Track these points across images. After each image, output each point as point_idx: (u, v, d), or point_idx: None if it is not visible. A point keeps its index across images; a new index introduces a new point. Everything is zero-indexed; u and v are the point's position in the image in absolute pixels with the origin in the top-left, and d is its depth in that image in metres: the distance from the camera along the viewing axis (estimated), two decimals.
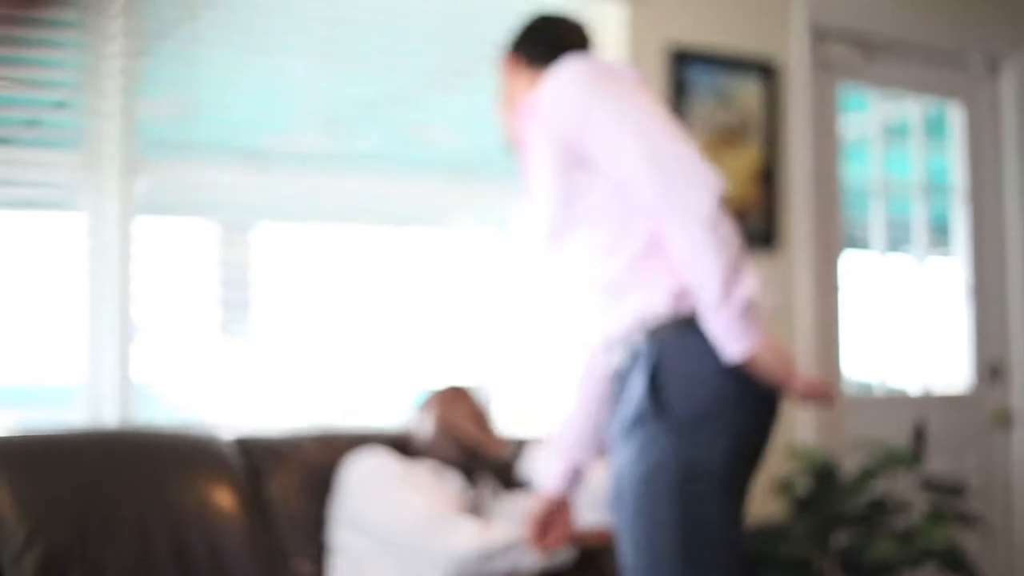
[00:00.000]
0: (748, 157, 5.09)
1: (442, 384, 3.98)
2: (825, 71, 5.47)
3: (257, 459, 3.78)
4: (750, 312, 2.65)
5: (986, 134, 6.02)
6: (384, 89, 4.59)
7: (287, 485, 3.76)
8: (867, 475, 4.56)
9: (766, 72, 5.20)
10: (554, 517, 3.19)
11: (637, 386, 2.76)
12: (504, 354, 4.75)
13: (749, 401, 2.73)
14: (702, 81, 4.96)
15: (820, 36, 5.42)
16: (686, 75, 4.95)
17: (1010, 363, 5.95)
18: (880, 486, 4.66)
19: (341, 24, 4.42)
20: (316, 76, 4.41)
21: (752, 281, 2.66)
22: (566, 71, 2.87)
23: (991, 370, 5.93)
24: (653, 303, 2.76)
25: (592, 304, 2.99)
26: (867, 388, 5.75)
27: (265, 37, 4.32)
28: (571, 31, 3.22)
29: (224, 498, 3.62)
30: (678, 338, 2.73)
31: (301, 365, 4.35)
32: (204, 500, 3.58)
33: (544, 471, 3.21)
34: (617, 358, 2.87)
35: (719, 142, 5.02)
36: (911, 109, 5.88)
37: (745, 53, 5.15)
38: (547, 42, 3.16)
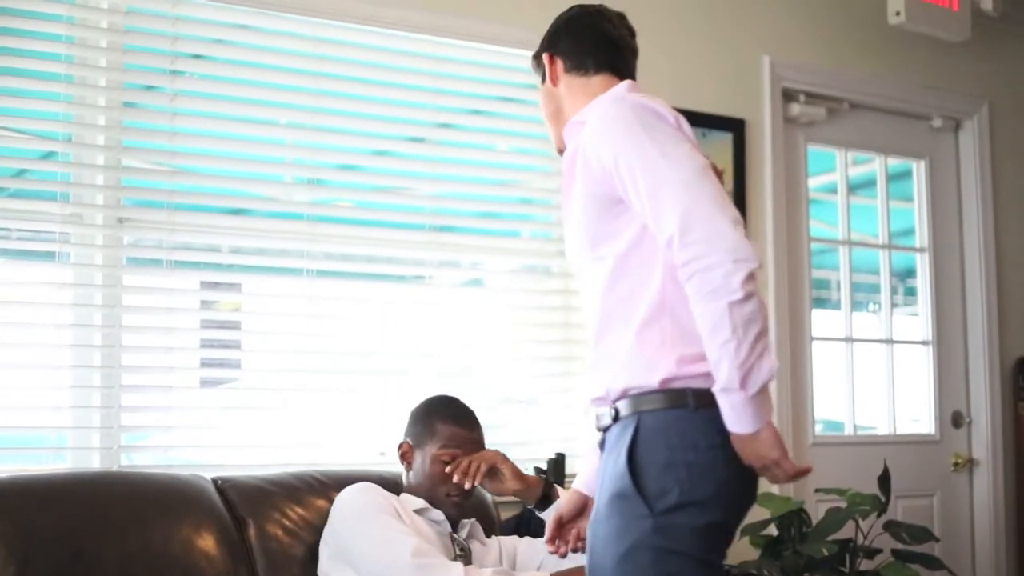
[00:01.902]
0: None
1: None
2: (793, 129, 5.59)
3: (241, 502, 3.79)
4: (763, 395, 2.56)
5: (948, 191, 6.14)
6: (366, 144, 4.67)
7: (270, 528, 3.77)
8: (835, 521, 4.62)
9: (736, 130, 5.31)
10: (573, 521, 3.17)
11: (619, 461, 2.67)
12: (479, 408, 4.79)
13: (732, 484, 2.65)
14: None
15: (788, 97, 5.55)
16: None
17: (971, 412, 6.03)
18: (848, 529, 4.71)
19: (323, 79, 4.50)
20: (298, 131, 4.47)
21: (771, 364, 2.56)
22: (612, 108, 2.78)
23: (953, 418, 6.01)
24: (645, 376, 2.68)
25: (590, 344, 2.89)
26: (837, 427, 5.81)
27: (248, 92, 4.40)
28: (612, 28, 3.08)
29: (207, 541, 3.62)
30: (663, 414, 2.66)
31: (284, 411, 4.38)
32: (188, 543, 3.59)
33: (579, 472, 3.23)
34: (604, 418, 2.80)
35: None
36: (876, 167, 5.99)
37: (717, 112, 5.26)
38: (589, 46, 3.04)
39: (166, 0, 4.20)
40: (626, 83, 2.98)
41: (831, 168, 5.86)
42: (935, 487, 5.94)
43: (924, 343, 6.01)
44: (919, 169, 6.11)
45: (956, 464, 5.98)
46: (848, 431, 5.83)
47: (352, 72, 4.60)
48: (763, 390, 2.56)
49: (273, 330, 4.48)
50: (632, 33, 3.12)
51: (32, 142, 4.13)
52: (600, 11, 3.13)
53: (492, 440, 4.63)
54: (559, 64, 3.07)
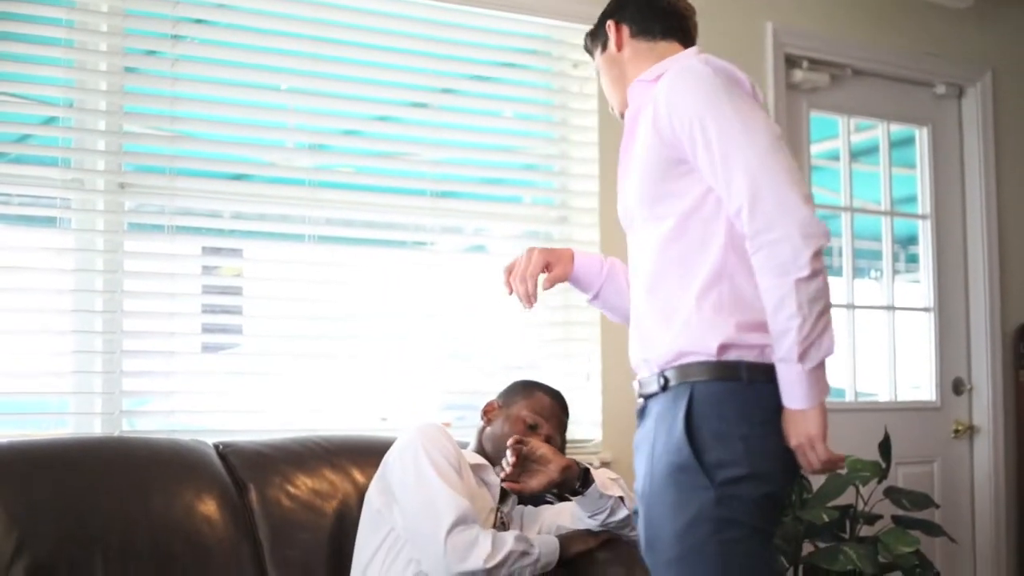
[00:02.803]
0: None
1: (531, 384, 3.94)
2: (795, 96, 5.58)
3: (242, 467, 3.81)
4: (820, 372, 2.60)
5: (950, 158, 6.13)
6: (368, 109, 4.66)
7: (272, 493, 3.78)
8: (836, 487, 4.63)
9: None
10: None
11: (673, 432, 2.67)
12: (480, 374, 4.82)
13: (785, 456, 2.67)
14: None
15: (791, 63, 5.53)
16: None
17: (972, 379, 6.04)
18: (848, 496, 4.73)
19: (325, 44, 4.49)
20: (300, 96, 4.46)
21: (831, 341, 2.59)
22: (692, 70, 2.76)
23: (954, 385, 6.01)
24: (703, 341, 2.68)
25: (635, 306, 2.89)
26: (839, 394, 5.81)
27: (249, 57, 4.40)
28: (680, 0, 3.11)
29: (209, 506, 3.64)
30: (717, 385, 2.66)
31: (285, 376, 4.38)
32: (189, 507, 3.60)
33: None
34: (649, 385, 2.79)
35: None
36: (879, 133, 5.98)
37: None
38: (657, 12, 3.05)
39: None
40: (695, 49, 3.01)
41: (834, 134, 5.85)
42: (935, 454, 5.95)
43: (925, 310, 6.01)
44: (922, 136, 6.09)
45: (957, 431, 5.99)
46: (849, 397, 5.82)
47: (354, 37, 4.58)
48: (820, 367, 2.59)
49: (275, 295, 4.48)
50: (691, 6, 3.15)
51: (33, 107, 4.12)
52: None
53: None
54: (625, 30, 3.06)
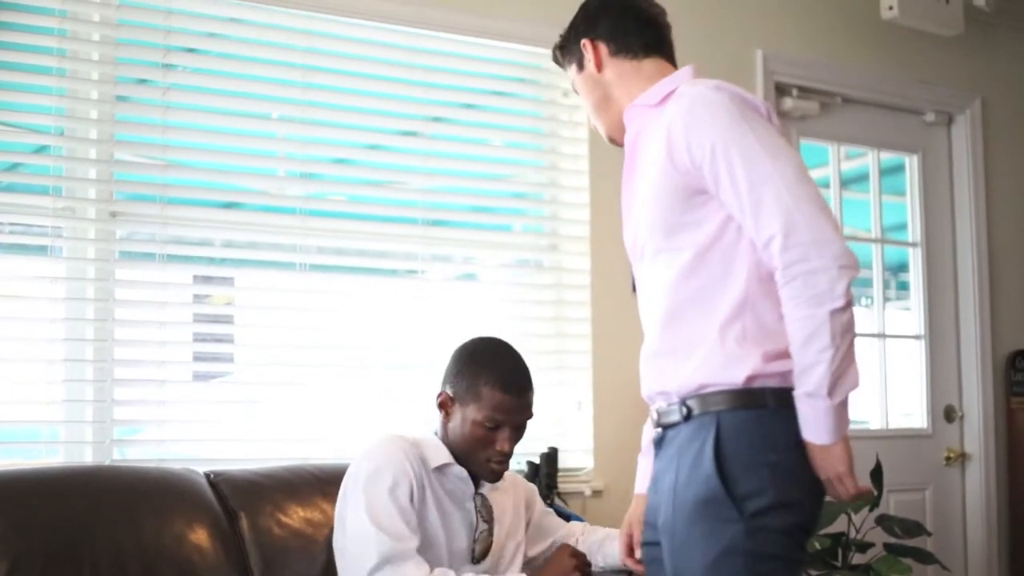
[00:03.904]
0: None
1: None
2: (785, 123, 5.58)
3: (233, 496, 3.79)
4: (844, 407, 2.54)
5: (940, 186, 6.14)
6: (359, 137, 4.67)
7: (263, 522, 3.77)
8: (828, 515, 4.62)
9: None
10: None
11: (700, 464, 2.59)
12: None
13: (813, 484, 2.61)
14: None
15: (781, 91, 5.54)
16: None
17: (963, 407, 6.04)
18: (840, 523, 4.72)
19: (316, 73, 4.49)
20: (291, 124, 4.46)
21: (856, 374, 2.53)
22: (707, 98, 2.66)
23: (945, 413, 6.02)
24: (727, 373, 2.60)
25: (650, 340, 2.79)
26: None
27: (241, 86, 4.41)
28: (648, 6, 2.99)
29: (200, 535, 3.62)
30: (743, 414, 2.60)
31: (277, 405, 4.38)
32: (180, 536, 3.58)
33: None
34: (670, 415, 2.71)
35: None
36: (869, 161, 5.99)
37: None
38: (632, 25, 2.93)
39: None
40: (690, 68, 2.89)
41: (824, 162, 5.86)
42: (927, 481, 5.95)
43: (916, 337, 6.01)
44: (912, 163, 6.11)
45: (948, 458, 5.99)
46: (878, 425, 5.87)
47: (345, 66, 4.60)
48: (845, 402, 2.54)
49: (266, 324, 4.48)
50: (663, 10, 3.01)
51: (24, 136, 4.12)
52: None
53: None
54: (603, 48, 2.95)
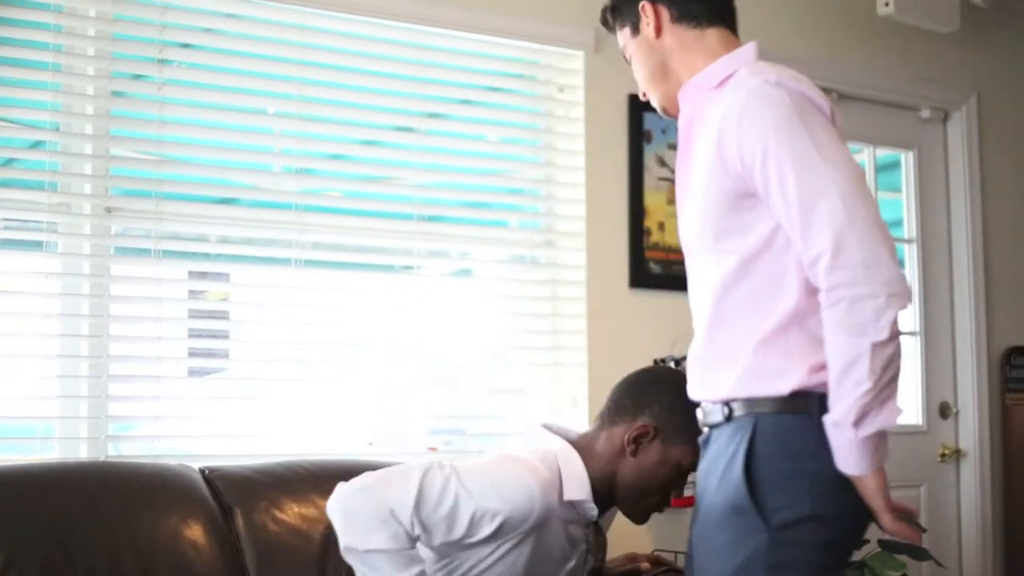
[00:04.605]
0: None
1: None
2: None
3: (228, 492, 3.80)
4: (878, 439, 2.41)
5: (936, 182, 6.14)
6: (354, 133, 4.66)
7: (258, 518, 3.77)
8: None
9: None
10: None
11: (731, 471, 2.49)
12: (467, 399, 4.81)
13: (857, 498, 2.48)
14: (662, 125, 5.04)
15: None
16: (646, 120, 5.04)
17: (958, 403, 6.04)
18: None
19: (311, 69, 4.48)
20: (287, 120, 4.46)
21: (892, 412, 2.39)
22: (764, 94, 2.48)
23: (940, 409, 6.02)
24: (771, 385, 2.48)
25: (696, 342, 2.67)
26: None
27: (236, 81, 4.40)
28: None
29: (195, 531, 3.63)
30: (784, 419, 2.48)
31: (272, 401, 4.37)
32: (175, 532, 3.59)
33: None
34: (713, 415, 2.59)
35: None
36: (865, 158, 5.99)
37: None
38: None
39: None
40: (753, 46, 2.73)
41: None
42: (922, 478, 5.95)
43: (912, 334, 6.01)
44: (907, 160, 6.11)
45: (943, 455, 5.99)
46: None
47: (341, 61, 4.59)
48: (879, 435, 2.40)
49: (261, 320, 4.49)
50: None
51: (20, 131, 4.11)
52: None
53: (480, 430, 4.66)
54: (664, 13, 2.75)
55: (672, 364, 4.77)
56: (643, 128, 5.03)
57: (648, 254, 4.99)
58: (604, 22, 2.93)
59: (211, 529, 3.67)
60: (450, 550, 3.10)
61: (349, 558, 3.10)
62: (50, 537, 3.39)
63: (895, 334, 2.35)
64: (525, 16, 4.80)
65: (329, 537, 3.78)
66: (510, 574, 3.13)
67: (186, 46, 4.35)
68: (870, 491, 2.45)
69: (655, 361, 4.77)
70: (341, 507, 3.09)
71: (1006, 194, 6.24)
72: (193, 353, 4.40)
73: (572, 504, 3.16)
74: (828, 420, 2.40)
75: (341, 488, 3.13)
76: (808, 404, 2.46)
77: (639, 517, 3.32)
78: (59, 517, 3.44)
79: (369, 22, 4.56)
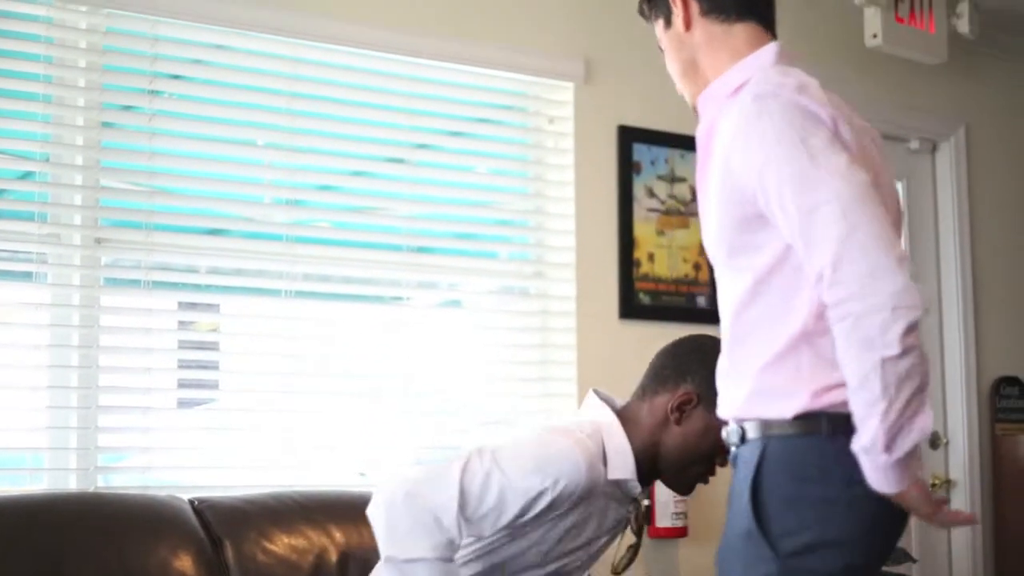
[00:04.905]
0: (697, 232, 5.15)
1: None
2: None
3: (218, 523, 3.79)
4: (908, 461, 2.25)
5: (925, 213, 6.16)
6: (344, 164, 4.67)
7: (248, 548, 3.76)
8: None
9: None
10: None
11: (742, 496, 2.41)
12: (456, 429, 4.80)
13: (875, 522, 2.38)
14: (651, 157, 5.05)
15: None
16: (635, 151, 5.06)
17: (948, 433, 6.04)
18: None
19: (302, 100, 4.49)
20: (277, 151, 4.46)
21: (923, 424, 2.23)
22: (757, 105, 2.40)
23: (930, 440, 6.02)
24: (777, 407, 2.41)
25: (721, 356, 2.59)
26: None
27: (227, 112, 4.41)
28: None
29: (184, 562, 3.62)
30: (793, 442, 2.38)
31: (262, 432, 4.36)
32: (165, 563, 3.58)
33: None
34: (731, 435, 2.53)
35: (668, 218, 5.11)
36: None
37: (695, 133, 5.24)
38: None
39: (145, 20, 4.19)
40: (773, 49, 2.63)
41: None
42: None
43: None
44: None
45: (934, 485, 5.98)
46: None
47: (331, 93, 4.59)
48: (913, 454, 2.26)
49: (251, 350, 4.48)
50: None
51: (9, 162, 4.11)
52: None
53: None
54: (694, 6, 2.64)
55: None
56: (632, 159, 5.04)
57: (638, 285, 5.00)
58: (641, 12, 2.83)
59: (201, 560, 3.66)
60: (508, 529, 3.07)
61: (387, 569, 3.02)
62: (39, 569, 3.38)
63: (909, 347, 2.19)
64: (515, 48, 4.81)
65: (319, 568, 3.78)
66: (546, 543, 3.10)
67: (177, 77, 4.35)
68: (914, 502, 2.32)
69: None
70: (384, 516, 3.02)
71: (994, 225, 6.25)
72: (183, 384, 4.39)
73: (616, 482, 3.12)
74: (857, 446, 2.26)
75: (383, 493, 3.05)
76: (818, 425, 2.37)
77: (684, 488, 3.26)
78: (48, 548, 3.43)
79: (359, 54, 4.58)
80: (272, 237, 4.42)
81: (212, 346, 4.60)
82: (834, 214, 2.25)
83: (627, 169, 5.03)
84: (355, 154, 4.68)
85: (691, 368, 3.17)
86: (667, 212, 5.12)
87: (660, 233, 5.08)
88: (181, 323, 4.51)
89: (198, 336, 4.58)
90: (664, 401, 3.17)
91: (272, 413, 4.39)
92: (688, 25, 2.65)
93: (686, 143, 5.19)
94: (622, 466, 3.11)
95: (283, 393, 4.39)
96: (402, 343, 4.62)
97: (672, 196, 5.14)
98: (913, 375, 2.21)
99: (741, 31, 2.64)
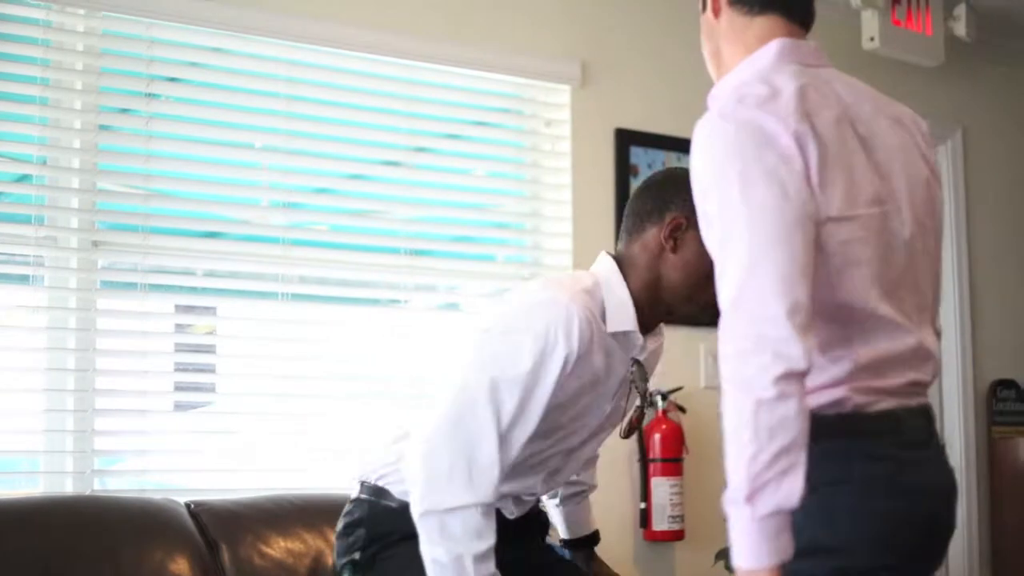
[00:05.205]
0: None
1: None
2: None
3: (214, 526, 3.79)
4: (777, 525, 2.09)
5: None
6: (341, 167, 4.67)
7: (244, 552, 3.76)
8: None
9: None
10: None
11: None
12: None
13: (869, 524, 2.27)
14: (648, 160, 5.06)
15: None
16: (632, 154, 5.06)
17: (945, 436, 6.04)
18: None
19: (298, 103, 4.49)
20: (274, 154, 4.47)
21: (792, 488, 2.07)
22: (708, 124, 2.31)
23: None
24: None
25: None
26: None
27: (223, 115, 4.41)
28: None
29: (180, 565, 3.62)
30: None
31: (259, 435, 4.36)
32: (160, 567, 3.58)
33: None
34: None
35: None
36: None
37: (690, 134, 5.24)
38: None
39: (141, 23, 4.19)
40: (774, 47, 2.49)
41: None
42: None
43: None
44: None
45: None
46: None
47: (327, 96, 4.60)
48: (777, 518, 2.09)
49: (248, 354, 4.48)
50: None
51: (7, 165, 4.12)
52: None
53: None
54: None
55: (659, 399, 4.78)
56: (629, 162, 5.04)
57: None
58: None
59: (197, 563, 3.66)
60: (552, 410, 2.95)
61: (426, 524, 2.85)
62: (36, 572, 3.38)
63: (784, 394, 2.08)
64: (511, 51, 4.82)
65: (315, 571, 3.78)
66: (559, 401, 2.94)
67: (173, 80, 4.36)
68: None
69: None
70: (425, 467, 2.87)
71: (991, 227, 6.26)
72: (179, 387, 4.39)
73: (616, 336, 3.00)
74: (725, 498, 2.13)
75: (421, 445, 2.90)
76: (835, 428, 2.26)
77: (698, 315, 3.03)
78: (45, 551, 3.44)
79: (356, 57, 4.58)
80: (269, 240, 4.42)
81: (209, 349, 4.60)
82: (741, 252, 2.17)
83: (624, 172, 5.03)
84: (352, 157, 4.67)
85: (671, 196, 3.02)
86: None
87: None
88: (178, 326, 4.52)
89: (195, 339, 4.58)
90: (655, 234, 3.02)
91: (269, 416, 4.39)
92: (716, 12, 2.56)
93: (683, 146, 5.15)
94: (622, 319, 2.99)
95: (280, 396, 4.39)
96: (399, 346, 4.62)
97: None
98: (787, 426, 2.08)
99: (760, 24, 2.52)
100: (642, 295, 3.02)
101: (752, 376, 2.09)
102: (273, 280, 4.40)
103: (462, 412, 2.88)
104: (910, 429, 2.39)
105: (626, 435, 3.21)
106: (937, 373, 2.50)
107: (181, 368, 4.38)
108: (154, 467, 4.22)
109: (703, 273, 2.81)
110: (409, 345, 4.62)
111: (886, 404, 2.34)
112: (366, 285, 4.66)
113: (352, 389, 4.61)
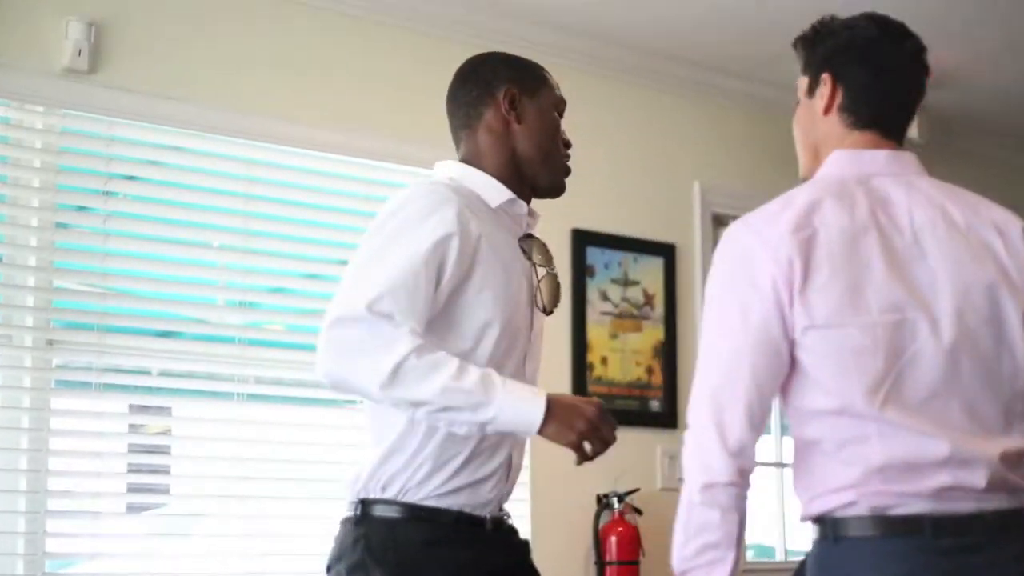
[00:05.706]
0: (651, 336, 5.20)
1: None
2: None
3: None
4: None
5: None
6: (298, 267, 4.66)
7: None
8: None
9: (667, 254, 5.36)
10: None
11: None
12: None
13: None
14: (605, 260, 5.08)
15: (719, 221, 5.58)
16: (589, 254, 5.09)
17: None
18: None
19: (255, 202, 4.50)
20: (230, 253, 4.46)
21: None
22: (720, 251, 2.41)
23: None
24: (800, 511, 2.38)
25: None
26: (769, 553, 5.79)
27: (181, 214, 4.39)
28: (906, 60, 2.51)
29: None
30: (816, 545, 2.33)
31: (214, 537, 4.30)
32: None
33: None
34: None
35: (622, 321, 5.13)
36: None
37: (648, 237, 5.29)
38: (875, 93, 2.48)
39: (100, 121, 4.20)
40: (837, 158, 2.50)
41: None
42: None
43: None
44: None
45: None
46: (779, 557, 5.80)
47: (284, 195, 4.60)
48: None
49: (203, 454, 4.43)
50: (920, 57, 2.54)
51: None
52: (898, 33, 2.51)
53: None
54: (840, 95, 2.50)
55: (615, 501, 4.77)
56: (586, 263, 5.06)
57: (591, 388, 4.99)
58: (795, 47, 2.62)
59: None
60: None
61: (392, 395, 2.65)
62: None
63: (708, 503, 2.26)
64: None
65: None
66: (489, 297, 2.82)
67: (131, 178, 4.35)
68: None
69: (598, 497, 4.77)
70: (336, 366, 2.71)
71: None
72: (132, 488, 4.33)
73: (501, 210, 2.92)
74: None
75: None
76: (825, 528, 2.30)
77: (560, 175, 3.02)
78: None
79: (314, 156, 4.60)
80: (225, 340, 4.40)
81: (163, 449, 4.55)
82: (700, 365, 2.34)
83: (580, 272, 5.05)
84: (309, 256, 4.67)
85: (490, 77, 2.98)
86: (620, 315, 5.14)
87: (614, 336, 5.09)
88: (132, 426, 4.47)
89: (149, 440, 4.54)
90: (493, 113, 2.96)
91: (223, 518, 4.33)
92: (828, 110, 2.51)
93: (639, 247, 5.26)
94: (495, 193, 2.91)
95: (235, 498, 4.34)
96: (356, 445, 4.58)
97: (625, 299, 5.17)
98: (711, 529, 2.25)
99: (855, 140, 2.51)
100: (503, 176, 2.94)
101: (688, 478, 2.29)
102: (229, 380, 4.37)
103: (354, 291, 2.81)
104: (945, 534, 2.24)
105: (550, 309, 3.04)
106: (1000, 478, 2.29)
107: (135, 469, 4.33)
108: (106, 570, 4.14)
109: (550, 131, 2.95)
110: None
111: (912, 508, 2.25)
112: (322, 385, 4.61)
113: (310, 490, 4.56)
